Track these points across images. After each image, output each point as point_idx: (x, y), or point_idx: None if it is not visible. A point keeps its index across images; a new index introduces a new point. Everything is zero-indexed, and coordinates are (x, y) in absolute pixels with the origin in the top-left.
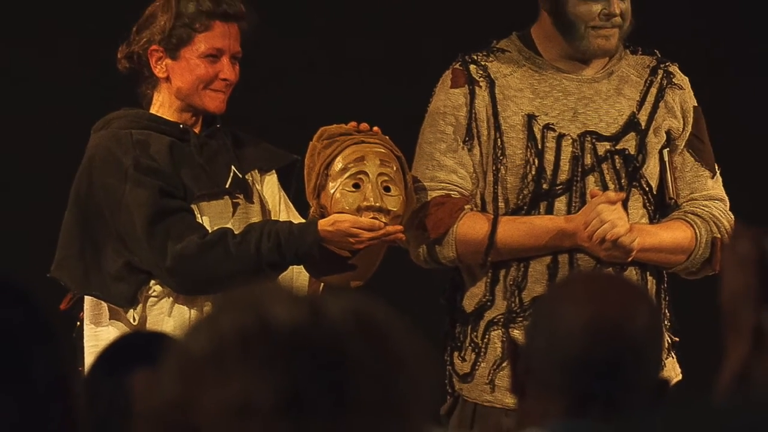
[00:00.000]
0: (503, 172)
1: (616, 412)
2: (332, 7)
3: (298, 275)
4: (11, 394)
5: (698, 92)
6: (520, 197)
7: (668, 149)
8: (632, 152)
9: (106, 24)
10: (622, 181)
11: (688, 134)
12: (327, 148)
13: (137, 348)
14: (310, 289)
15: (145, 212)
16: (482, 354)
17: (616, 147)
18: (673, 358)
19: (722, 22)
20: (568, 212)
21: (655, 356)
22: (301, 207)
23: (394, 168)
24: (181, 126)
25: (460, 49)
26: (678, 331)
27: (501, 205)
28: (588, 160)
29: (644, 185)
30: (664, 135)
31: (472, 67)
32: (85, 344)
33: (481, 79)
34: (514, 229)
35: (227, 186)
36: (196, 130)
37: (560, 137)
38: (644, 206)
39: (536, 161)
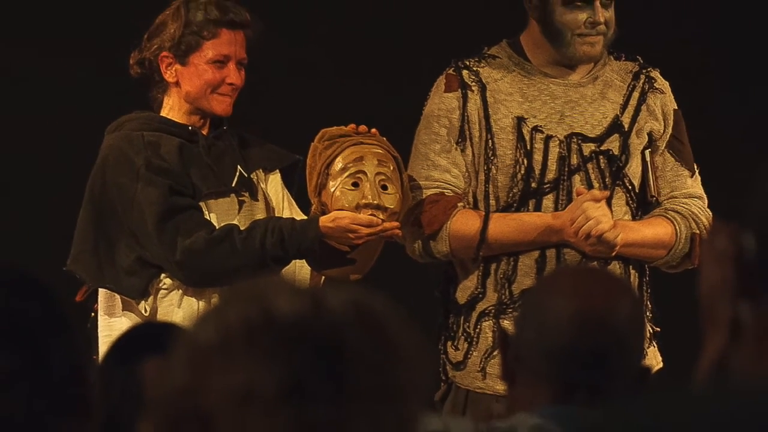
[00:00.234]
0: (494, 171)
1: (601, 398)
2: (333, 15)
3: (300, 269)
4: (29, 381)
5: (678, 96)
6: (510, 195)
7: (650, 150)
8: (616, 153)
9: (120, 32)
10: (606, 180)
11: (668, 136)
12: (327, 148)
13: (148, 338)
14: (311, 282)
15: (156, 210)
16: (474, 343)
17: (601, 148)
18: (654, 347)
19: (701, 30)
20: (556, 209)
21: (638, 345)
22: (303, 204)
23: (391, 168)
24: (190, 128)
25: (453, 55)
26: (659, 321)
27: (492, 202)
28: (574, 160)
29: (627, 184)
30: (646, 136)
31: (464, 72)
32: (99, 334)
33: (473, 83)
34: (504, 226)
35: (233, 185)
36: (204, 132)
37: (548, 139)
38: (627, 204)
39: (525, 161)
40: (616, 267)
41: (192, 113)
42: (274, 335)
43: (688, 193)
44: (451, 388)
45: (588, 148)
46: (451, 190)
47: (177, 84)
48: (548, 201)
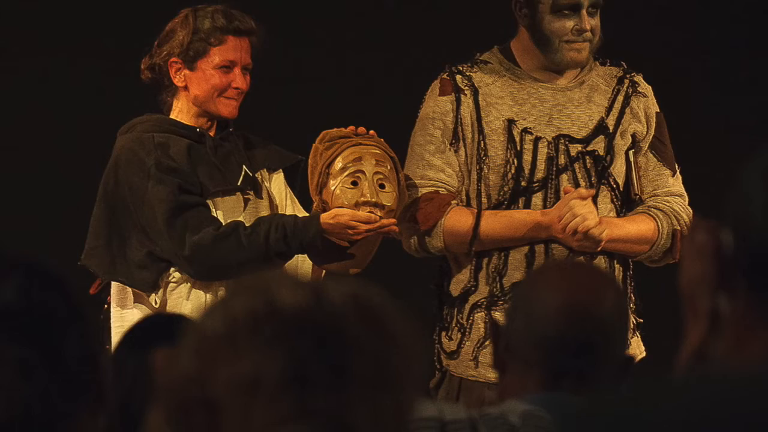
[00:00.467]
0: (486, 171)
1: (587, 385)
2: (334, 23)
3: (302, 263)
4: (46, 369)
5: (660, 99)
6: (501, 193)
7: (633, 150)
8: (601, 153)
9: (132, 39)
10: (592, 179)
11: (651, 137)
12: (328, 149)
13: (158, 328)
14: (313, 276)
15: (166, 207)
16: (467, 334)
17: (587, 149)
18: (637, 337)
19: (682, 37)
20: (544, 207)
21: (622, 336)
22: (305, 202)
23: (389, 167)
24: (198, 130)
25: (447, 61)
26: (642, 313)
27: (484, 200)
28: (562, 160)
29: (612, 183)
30: (630, 138)
31: (458, 77)
32: (112, 325)
33: (466, 87)
34: (495, 222)
35: (239, 183)
36: (211, 134)
37: (537, 140)
38: (612, 201)
39: (515, 161)
40: (601, 261)
41: (200, 116)
42: (277, 326)
43: (670, 191)
44: (445, 376)
45: (575, 149)
46: (445, 188)
47: (186, 88)
48: (537, 199)
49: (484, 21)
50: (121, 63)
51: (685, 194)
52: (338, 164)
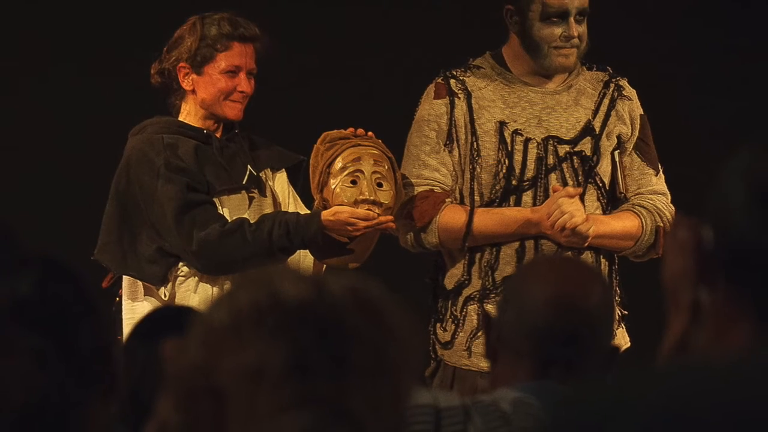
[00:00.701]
0: (478, 170)
1: (575, 374)
2: (335, 30)
3: (304, 258)
4: (61, 358)
5: (644, 102)
6: (493, 192)
7: (619, 151)
8: (588, 154)
9: (142, 46)
10: (580, 178)
11: (635, 138)
12: (329, 150)
13: (167, 320)
14: (314, 270)
15: (175, 205)
16: (461, 325)
17: (575, 149)
18: (622, 328)
19: (665, 44)
20: (534, 205)
21: (608, 327)
22: (307, 200)
23: (386, 167)
24: (205, 131)
25: (441, 66)
26: (627, 305)
27: (477, 198)
28: (550, 160)
29: (598, 182)
30: (616, 139)
31: (452, 81)
32: (123, 317)
33: (460, 91)
34: (487, 219)
35: (244, 182)
36: (218, 135)
37: (527, 141)
38: (598, 199)
39: (506, 161)
40: (588, 256)
41: (207, 118)
42: (280, 317)
43: (653, 190)
44: (440, 365)
45: (563, 150)
46: (440, 187)
47: (193, 92)
48: (527, 197)
49: (476, 28)
50: (131, 68)
51: (668, 192)
52: (338, 164)
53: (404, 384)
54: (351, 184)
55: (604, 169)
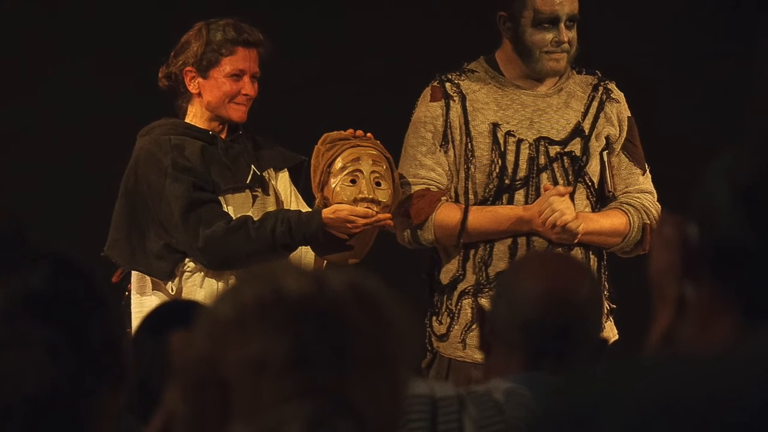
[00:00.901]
0: (473, 170)
1: (565, 365)
2: (335, 35)
3: (305, 254)
4: (72, 350)
5: (632, 105)
6: (487, 190)
7: (607, 151)
8: (578, 154)
9: (150, 51)
10: (570, 177)
11: (623, 139)
12: (329, 150)
13: (175, 313)
14: (315, 266)
15: (181, 203)
16: (456, 318)
17: (565, 150)
18: (611, 321)
19: (652, 48)
20: (526, 203)
21: (596, 320)
22: (308, 198)
23: (384, 167)
24: (211, 133)
25: (437, 70)
26: (615, 299)
27: (471, 197)
28: (542, 160)
29: (588, 181)
30: (604, 140)
31: (447, 84)
32: (132, 310)
33: (455, 94)
34: (481, 217)
35: (248, 181)
36: (223, 136)
37: (519, 142)
38: (587, 198)
39: (500, 161)
40: (578, 252)
41: (212, 120)
42: (283, 311)
43: (640, 188)
44: (436, 357)
45: (554, 150)
46: (435, 186)
47: (199, 95)
48: (519, 195)
49: (471, 33)
50: (141, 72)
51: (654, 191)
52: (338, 164)
53: (402, 375)
54: (350, 183)
55: (593, 168)
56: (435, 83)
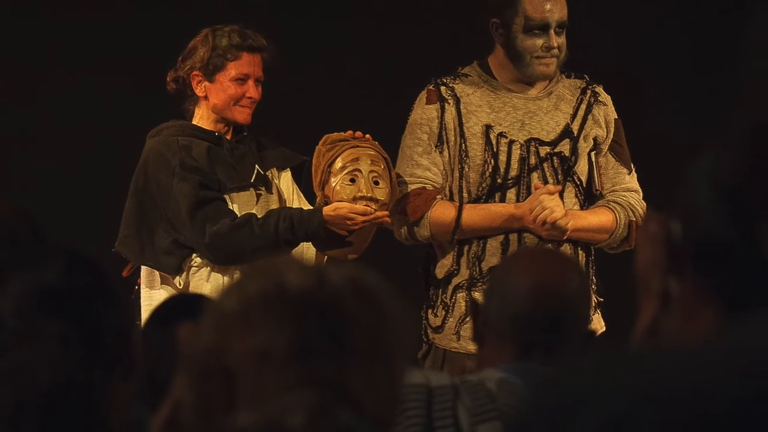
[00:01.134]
0: (467, 169)
1: (555, 356)
2: (335, 41)
3: (307, 250)
4: (84, 342)
5: (618, 107)
6: (480, 189)
7: (595, 152)
8: (567, 154)
9: (159, 56)
10: (559, 176)
11: (610, 140)
12: (329, 151)
13: (182, 306)
14: (316, 261)
15: (189, 201)
16: (450, 311)
17: (554, 150)
18: (598, 314)
19: (638, 54)
20: (517, 201)
21: (585, 313)
22: (309, 197)
23: (382, 166)
24: (217, 134)
25: (433, 74)
26: (602, 293)
27: (465, 195)
28: (532, 160)
29: (576, 180)
30: (592, 141)
31: (442, 88)
32: (142, 303)
33: (450, 97)
34: (475, 214)
35: (252, 180)
36: (228, 137)
37: (511, 143)
38: (576, 196)
39: (492, 161)
40: (567, 248)
41: (218, 122)
42: (285, 304)
43: (627, 187)
44: (431, 348)
45: (544, 151)
46: (431, 185)
47: (206, 98)
48: (511, 194)
49: (464, 39)
50: (151, 77)
51: (640, 190)
52: (338, 164)
53: (399, 365)
54: (350, 182)
55: (582, 168)
56: (430, 87)
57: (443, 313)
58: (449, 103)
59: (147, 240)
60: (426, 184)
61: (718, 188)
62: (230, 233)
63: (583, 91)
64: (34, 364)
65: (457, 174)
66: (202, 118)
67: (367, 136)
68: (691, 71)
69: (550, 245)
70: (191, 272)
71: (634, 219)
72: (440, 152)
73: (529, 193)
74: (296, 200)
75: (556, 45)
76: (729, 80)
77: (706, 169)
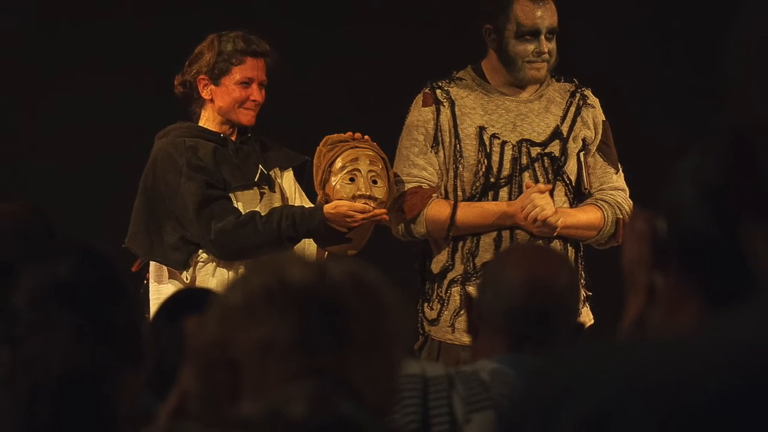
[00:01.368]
0: (461, 169)
1: (545, 347)
2: (335, 46)
3: (308, 246)
4: (96, 334)
5: (606, 109)
6: (474, 188)
7: (584, 152)
8: (557, 155)
9: (167, 61)
10: (549, 176)
11: (598, 141)
12: (330, 151)
13: (189, 300)
14: (317, 257)
15: (195, 199)
16: (445, 304)
17: (545, 151)
18: (587, 307)
19: (625, 58)
20: (509, 199)
21: (574, 306)
22: (310, 195)
23: (380, 166)
24: (222, 135)
25: (428, 78)
26: (591, 287)
27: (459, 194)
28: (524, 160)
29: (566, 179)
30: (581, 142)
31: (437, 91)
32: (150, 297)
33: (445, 100)
34: (469, 212)
35: (256, 180)
36: (233, 138)
37: (503, 143)
38: (566, 195)
39: (485, 161)
40: (557, 244)
41: (223, 123)
42: (288, 298)
43: (614, 186)
44: (427, 340)
45: (535, 151)
46: (427, 184)
47: (211, 101)
48: (504, 192)
49: (459, 45)
50: (159, 80)
51: (627, 189)
52: (338, 164)
53: (396, 356)
54: (349, 181)
55: (571, 168)
56: (426, 90)
57: (438, 306)
58: (444, 106)
59: (155, 236)
60: (422, 183)
61: (702, 188)
62: (235, 230)
63: (573, 95)
64: (47, 355)
65: (451, 173)
66: (208, 120)
67: (366, 137)
68: (678, 75)
69: (541, 241)
70: (197, 267)
71: (621, 216)
72: (436, 152)
73: (520, 192)
74: (298, 198)
75: (546, 50)
76: (716, 82)
77: (690, 170)
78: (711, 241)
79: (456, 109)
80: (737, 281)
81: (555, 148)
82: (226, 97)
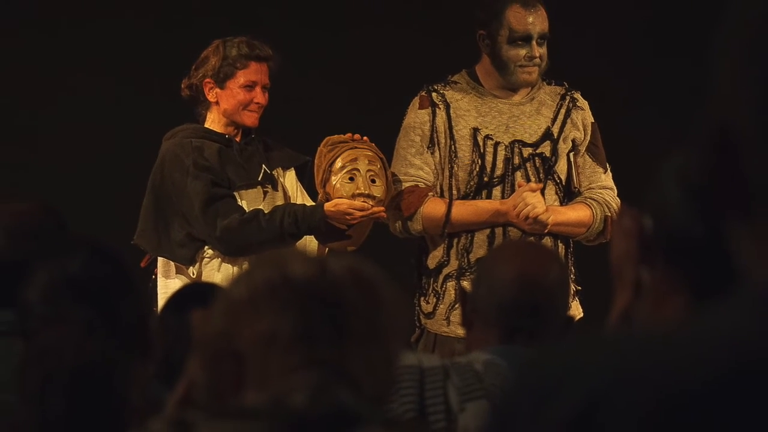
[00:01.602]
0: (456, 169)
1: (536, 339)
2: (336, 50)
3: (309, 242)
4: (106, 327)
5: (595, 111)
6: (468, 187)
7: (573, 153)
8: (548, 155)
9: (167, 61)
10: (541, 175)
11: (587, 142)
12: (330, 152)
13: (195, 294)
14: (318, 252)
15: (201, 198)
16: (441, 298)
17: (536, 151)
18: (576, 301)
19: (613, 62)
20: (502, 197)
21: (564, 300)
22: (312, 194)
23: (378, 166)
24: (227, 136)
25: (425, 81)
26: (580, 282)
27: (454, 192)
28: (516, 160)
29: (556, 178)
30: (571, 143)
31: (433, 94)
32: (158, 291)
33: (440, 103)
34: (463, 210)
35: (259, 179)
36: (237, 139)
37: (496, 144)
38: (556, 193)
39: (479, 161)
40: (548, 241)
41: (228, 125)
42: (290, 292)
43: (602, 185)
44: (423, 333)
45: (527, 152)
46: (423, 183)
47: (217, 103)
48: (497, 191)
49: (454, 49)
50: (166, 84)
51: (614, 187)
52: (338, 164)
53: (394, 348)
54: (349, 181)
55: (561, 168)
56: (423, 93)
57: (434, 300)
58: (440, 108)
59: (163, 233)
60: (419, 182)
61: (687, 187)
62: (239, 227)
63: (563, 97)
64: (59, 347)
65: (447, 173)
66: (213, 121)
67: (365, 138)
68: (667, 78)
69: (532, 238)
70: (203, 263)
71: (609, 214)
72: (432, 153)
73: (513, 191)
74: (300, 197)
75: (537, 55)
76: (702, 83)
77: (675, 169)
78: (695, 238)
79: (451, 111)
80: (721, 276)
81: (546, 148)
82: (230, 100)
